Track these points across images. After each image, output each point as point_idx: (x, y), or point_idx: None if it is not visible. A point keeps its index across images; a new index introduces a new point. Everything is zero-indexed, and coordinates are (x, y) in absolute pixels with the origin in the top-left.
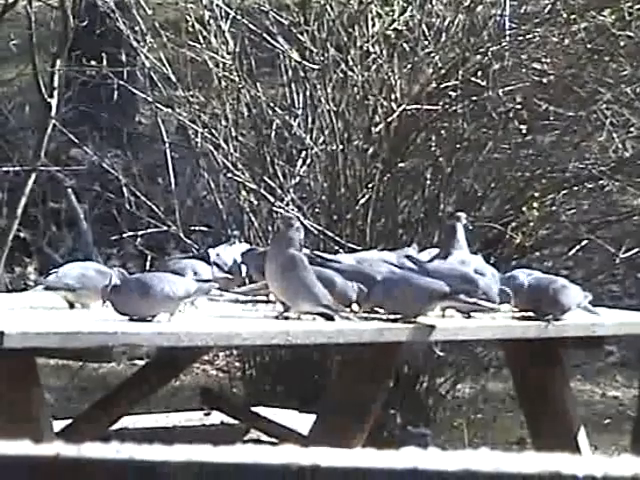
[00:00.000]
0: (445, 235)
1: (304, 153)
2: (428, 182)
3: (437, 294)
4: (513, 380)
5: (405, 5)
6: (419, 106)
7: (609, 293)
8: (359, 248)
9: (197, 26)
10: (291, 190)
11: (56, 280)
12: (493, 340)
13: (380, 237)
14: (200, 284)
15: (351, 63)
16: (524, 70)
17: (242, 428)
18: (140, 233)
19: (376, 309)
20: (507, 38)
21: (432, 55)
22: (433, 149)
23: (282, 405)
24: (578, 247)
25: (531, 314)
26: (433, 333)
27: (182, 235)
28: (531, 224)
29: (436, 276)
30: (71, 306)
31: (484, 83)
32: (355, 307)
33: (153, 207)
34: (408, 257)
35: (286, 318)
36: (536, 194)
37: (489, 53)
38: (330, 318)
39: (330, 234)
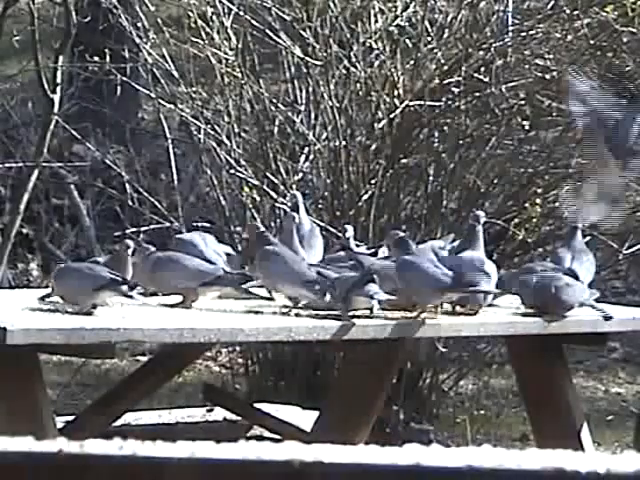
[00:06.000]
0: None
1: (307, 149)
2: (431, 178)
3: (444, 285)
4: (516, 376)
5: (408, 1)
6: (422, 102)
7: (612, 289)
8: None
9: (200, 22)
10: (294, 186)
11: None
12: (496, 336)
13: (383, 233)
14: (114, 279)
15: (354, 59)
16: (527, 66)
17: (245, 425)
18: (143, 229)
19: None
20: (510, 34)
21: (435, 51)
22: (436, 145)
23: (285, 401)
24: None
25: (535, 311)
26: (436, 329)
27: (185, 231)
28: (534, 220)
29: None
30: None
31: (487, 79)
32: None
33: (156, 203)
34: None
35: (285, 313)
36: (539, 190)
37: (492, 49)
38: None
39: (333, 230)
